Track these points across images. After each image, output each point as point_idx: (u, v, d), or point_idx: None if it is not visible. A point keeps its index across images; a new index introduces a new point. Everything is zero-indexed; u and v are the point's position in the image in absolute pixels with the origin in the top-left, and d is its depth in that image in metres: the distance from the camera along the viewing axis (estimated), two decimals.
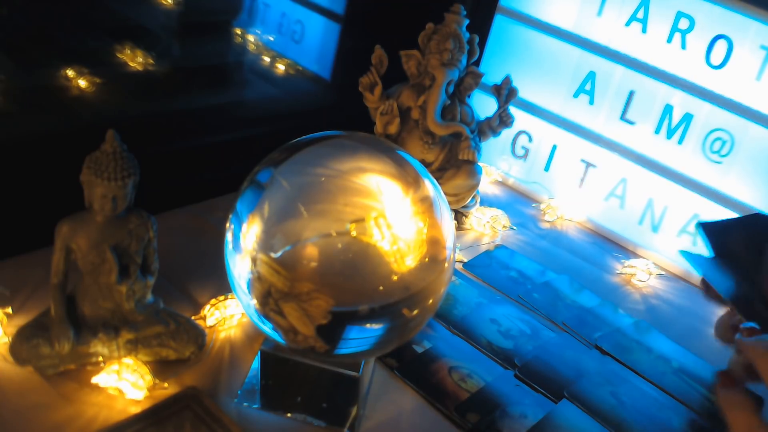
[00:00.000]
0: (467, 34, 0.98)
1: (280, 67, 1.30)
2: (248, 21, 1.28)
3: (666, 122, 1.07)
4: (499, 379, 0.78)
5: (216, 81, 1.23)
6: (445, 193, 0.70)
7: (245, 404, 0.69)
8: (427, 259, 0.61)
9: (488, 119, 1.04)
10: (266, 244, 0.59)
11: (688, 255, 0.60)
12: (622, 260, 1.06)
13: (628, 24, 1.08)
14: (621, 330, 0.91)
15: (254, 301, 0.61)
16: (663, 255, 1.08)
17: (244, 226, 0.60)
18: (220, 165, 1.05)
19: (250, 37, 1.28)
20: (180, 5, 1.12)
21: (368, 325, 0.60)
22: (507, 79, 1.02)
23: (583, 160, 1.15)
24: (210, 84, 1.21)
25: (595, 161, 1.14)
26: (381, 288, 0.59)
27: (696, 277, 1.05)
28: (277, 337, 0.62)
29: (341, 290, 0.59)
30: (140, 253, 0.68)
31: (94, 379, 0.66)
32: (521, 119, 1.18)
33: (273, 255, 0.58)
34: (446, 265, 0.63)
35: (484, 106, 1.14)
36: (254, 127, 1.17)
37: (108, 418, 0.64)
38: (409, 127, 1.01)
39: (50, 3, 0.96)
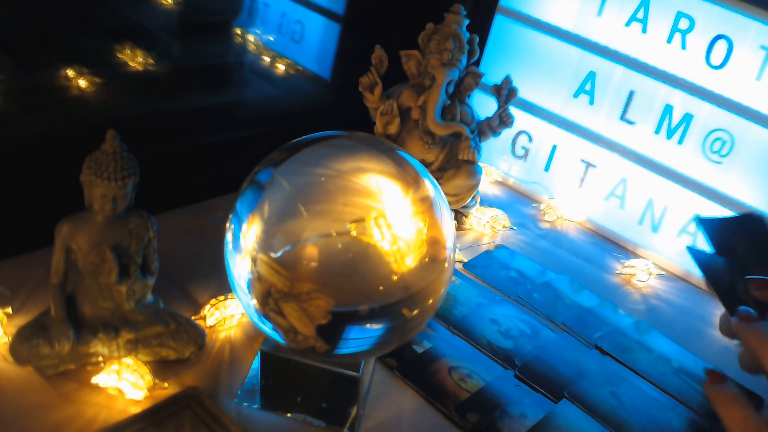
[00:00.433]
0: (467, 34, 0.98)
1: (280, 67, 1.30)
2: (248, 21, 1.28)
3: (666, 122, 1.07)
4: (499, 379, 0.78)
5: (216, 81, 1.23)
6: (445, 193, 0.70)
7: (245, 404, 0.69)
8: (427, 259, 0.61)
9: (488, 119, 1.04)
10: (266, 244, 0.59)
11: (691, 250, 0.60)
12: (622, 260, 1.06)
13: (628, 24, 1.08)
14: (621, 330, 0.91)
15: (254, 301, 0.61)
16: (663, 255, 1.08)
17: (244, 226, 0.60)
18: (220, 165, 1.05)
19: (250, 37, 1.28)
20: (180, 5, 1.12)
21: (368, 325, 0.60)
22: (507, 79, 1.02)
23: (583, 160, 1.15)
24: (210, 84, 1.21)
25: (595, 161, 1.14)
26: (381, 288, 0.59)
27: (696, 277, 1.05)
28: (277, 337, 0.62)
29: (341, 290, 0.59)
30: (140, 253, 0.68)
31: (94, 379, 0.66)
32: (521, 119, 1.18)
33: (273, 255, 0.58)
34: (446, 265, 0.63)
35: (484, 106, 1.14)
36: (254, 127, 1.17)
37: (108, 418, 0.64)
38: (409, 127, 1.01)
39: (50, 3, 0.96)
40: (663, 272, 1.06)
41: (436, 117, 0.97)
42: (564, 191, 1.17)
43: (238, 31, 1.27)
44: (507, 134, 1.15)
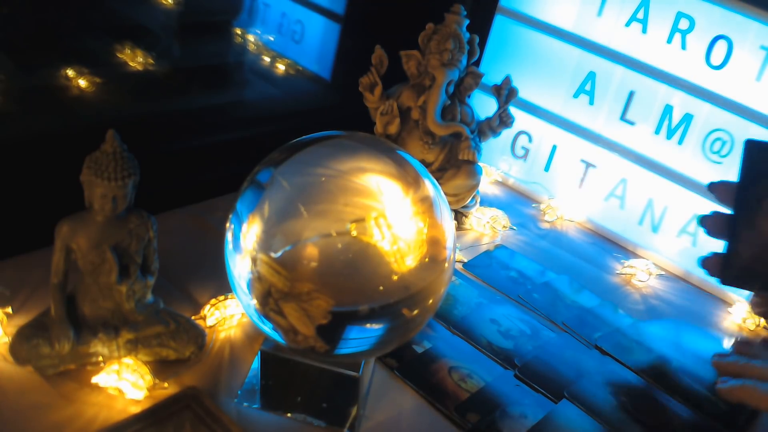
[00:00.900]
0: (467, 35, 0.98)
1: (280, 67, 1.30)
2: (248, 21, 1.28)
3: (666, 122, 1.07)
4: (499, 379, 0.78)
5: (216, 81, 1.23)
6: (445, 193, 0.70)
7: (245, 404, 0.69)
8: (427, 259, 0.61)
9: (488, 119, 1.04)
10: (266, 244, 0.59)
11: (748, 142, 0.62)
12: (622, 260, 1.06)
13: (628, 24, 1.08)
14: (621, 330, 0.91)
15: (254, 301, 0.61)
16: (663, 255, 1.08)
17: (244, 226, 0.60)
18: (220, 165, 1.05)
19: (250, 37, 1.29)
20: (180, 5, 1.12)
21: (368, 325, 0.60)
22: (507, 80, 1.02)
23: (583, 161, 1.15)
24: (210, 84, 1.21)
25: (595, 161, 1.14)
26: (381, 288, 0.59)
27: (696, 277, 1.05)
28: (277, 337, 0.62)
29: (341, 290, 0.59)
30: (140, 253, 0.68)
31: (94, 379, 0.66)
32: (521, 119, 1.18)
33: (273, 255, 0.58)
34: (446, 265, 0.63)
35: (484, 106, 1.14)
36: (254, 127, 1.17)
37: (108, 418, 0.64)
38: (409, 128, 1.01)
39: (50, 3, 0.96)
40: (663, 272, 1.06)
41: (436, 117, 0.97)
42: (564, 191, 1.17)
43: (238, 31, 1.27)
44: (507, 134, 1.15)
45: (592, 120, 1.14)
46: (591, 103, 1.14)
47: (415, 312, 0.62)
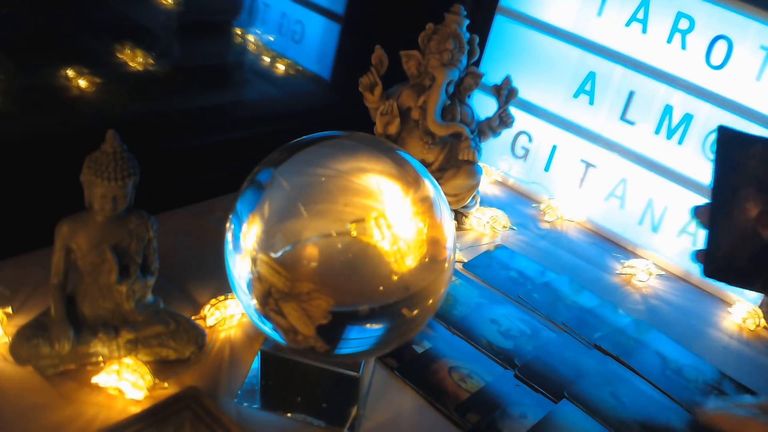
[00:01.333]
0: (467, 35, 0.98)
1: (280, 67, 1.30)
2: (248, 21, 1.28)
3: (666, 122, 1.07)
4: (499, 379, 0.78)
5: (216, 81, 1.23)
6: (445, 194, 0.70)
7: (245, 404, 0.69)
8: (427, 259, 0.61)
9: (488, 119, 1.04)
10: (266, 244, 0.59)
11: (721, 128, 0.60)
12: (622, 260, 1.06)
13: (628, 24, 1.08)
14: (621, 330, 0.91)
15: (254, 301, 0.61)
16: (663, 255, 1.08)
17: (244, 226, 0.60)
18: (220, 165, 1.05)
19: (250, 37, 1.28)
20: (180, 5, 1.12)
21: (368, 325, 0.60)
22: (507, 80, 1.02)
23: (583, 161, 1.15)
24: (210, 84, 1.21)
25: (595, 161, 1.14)
26: (381, 288, 0.59)
27: (696, 277, 1.05)
28: (277, 337, 0.62)
29: (341, 290, 0.59)
30: (140, 253, 0.68)
31: (94, 379, 0.66)
32: (521, 119, 1.18)
33: (273, 255, 0.58)
34: (446, 265, 0.63)
35: (484, 106, 1.14)
36: (254, 127, 1.17)
37: (108, 418, 0.64)
38: (409, 128, 1.01)
39: (50, 3, 0.96)
40: (663, 272, 1.06)
41: (436, 117, 0.97)
42: (564, 191, 1.17)
43: (238, 31, 1.27)
44: (507, 134, 1.15)
45: (592, 120, 1.14)
46: (591, 103, 1.14)
47: (415, 312, 0.62)
